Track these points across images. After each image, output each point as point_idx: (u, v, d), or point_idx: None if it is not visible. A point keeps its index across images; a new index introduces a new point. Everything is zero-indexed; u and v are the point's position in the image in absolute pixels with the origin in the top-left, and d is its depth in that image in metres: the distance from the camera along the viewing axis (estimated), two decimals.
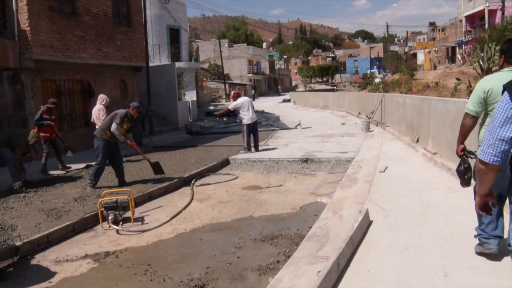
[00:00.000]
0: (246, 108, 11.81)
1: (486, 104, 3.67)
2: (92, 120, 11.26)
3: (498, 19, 38.25)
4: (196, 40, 60.70)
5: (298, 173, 9.79)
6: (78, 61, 13.53)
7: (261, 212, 6.90)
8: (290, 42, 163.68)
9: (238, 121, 12.76)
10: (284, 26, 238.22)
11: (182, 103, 22.26)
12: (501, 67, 3.75)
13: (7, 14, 11.65)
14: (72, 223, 6.30)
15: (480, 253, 3.87)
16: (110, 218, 6.37)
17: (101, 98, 11.13)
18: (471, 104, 3.76)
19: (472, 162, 3.75)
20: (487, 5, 40.85)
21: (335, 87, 70.74)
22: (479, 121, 3.83)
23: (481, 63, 24.01)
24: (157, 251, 5.45)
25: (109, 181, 8.96)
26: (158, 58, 23.58)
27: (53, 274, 4.89)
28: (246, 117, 11.78)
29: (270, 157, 10.86)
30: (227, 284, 4.36)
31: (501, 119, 2.18)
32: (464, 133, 3.88)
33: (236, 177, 9.65)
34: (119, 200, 6.53)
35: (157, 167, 9.14)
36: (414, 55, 72.73)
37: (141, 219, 6.75)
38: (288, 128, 18.23)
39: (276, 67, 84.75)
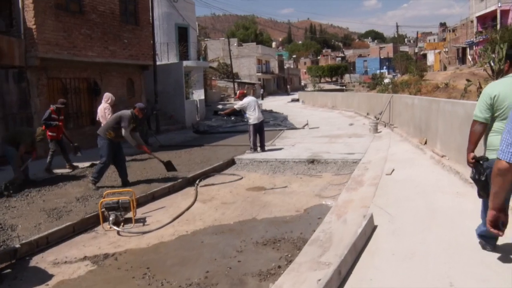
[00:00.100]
0: (253, 108, 11.70)
1: (493, 110, 3.64)
2: (97, 118, 11.22)
3: (510, 20, 37.82)
4: (205, 39, 60.77)
5: (304, 174, 9.66)
6: (84, 59, 13.49)
7: (264, 214, 6.78)
8: (300, 42, 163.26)
9: (245, 120, 12.62)
10: (294, 25, 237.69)
11: (190, 102, 22.19)
12: (507, 73, 3.74)
13: (13, 12, 11.64)
14: (73, 224, 6.23)
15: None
16: (111, 219, 6.28)
17: (107, 97, 11.08)
18: (479, 111, 3.72)
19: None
20: (499, 5, 40.37)
21: (344, 87, 70.41)
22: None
23: (492, 64, 23.66)
24: (157, 254, 5.36)
25: (112, 180, 8.89)
26: (166, 56, 23.55)
27: (50, 276, 4.82)
28: (253, 117, 11.67)
29: (276, 158, 10.74)
30: None
31: None
32: (474, 141, 3.80)
33: (241, 178, 9.53)
34: (120, 200, 6.45)
35: (169, 165, 9.08)
36: (424, 55, 72.21)
37: (142, 220, 6.66)
38: (295, 128, 18.08)
39: (285, 67, 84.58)
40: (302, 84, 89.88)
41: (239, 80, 56.88)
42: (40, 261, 5.28)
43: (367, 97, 23.54)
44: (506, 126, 2.32)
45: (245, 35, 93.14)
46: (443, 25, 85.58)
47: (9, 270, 4.97)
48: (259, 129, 11.76)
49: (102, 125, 9.71)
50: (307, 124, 18.37)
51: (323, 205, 7.09)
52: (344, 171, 9.52)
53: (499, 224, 2.48)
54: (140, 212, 7.04)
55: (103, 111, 10.90)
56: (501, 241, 3.94)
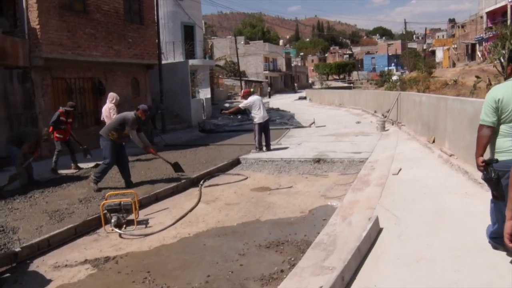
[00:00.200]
0: (258, 107, 11.58)
1: (499, 113, 3.64)
2: (102, 118, 11.16)
3: None
4: (212, 37, 60.74)
5: (309, 174, 9.53)
6: (88, 59, 13.45)
7: (268, 215, 6.67)
8: (307, 39, 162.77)
9: (251, 119, 12.49)
10: (301, 23, 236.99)
11: (196, 101, 22.12)
12: (510, 75, 3.76)
13: (17, 12, 11.61)
14: (74, 226, 6.15)
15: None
16: (113, 221, 6.20)
17: (111, 97, 11.01)
18: (485, 115, 3.70)
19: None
20: (510, 0, 39.83)
21: (351, 85, 70.07)
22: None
23: (502, 60, 23.31)
24: (158, 257, 5.26)
25: (115, 181, 8.82)
26: (172, 55, 23.50)
27: (50, 281, 4.75)
28: (258, 116, 11.56)
29: (282, 157, 10.61)
30: None
31: None
32: (482, 145, 3.76)
33: (246, 178, 9.43)
34: (122, 202, 6.37)
35: (176, 166, 9.00)
36: (433, 52, 71.63)
37: (145, 222, 6.58)
38: (302, 127, 17.95)
39: (292, 64, 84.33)
40: (310, 81, 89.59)
41: (246, 78, 56.78)
42: (41, 264, 5.21)
43: (375, 94, 23.33)
44: None
45: (252, 33, 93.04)
46: (452, 21, 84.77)
47: (8, 274, 4.90)
48: (264, 128, 11.64)
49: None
50: (313, 122, 18.24)
51: (328, 206, 6.97)
52: (350, 171, 9.38)
53: None
54: (143, 213, 6.96)
55: (108, 111, 10.84)
56: None
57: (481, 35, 45.99)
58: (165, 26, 23.32)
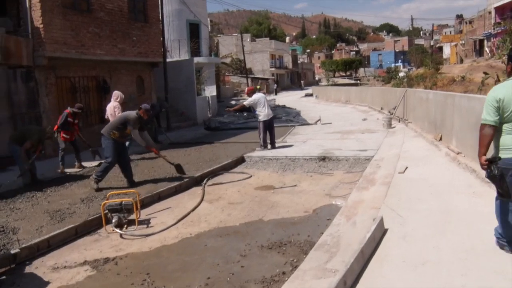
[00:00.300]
0: (262, 105, 11.47)
1: (500, 112, 3.66)
2: (106, 117, 11.10)
3: None
4: (218, 35, 60.63)
5: (314, 172, 9.41)
6: (92, 57, 13.38)
7: (271, 215, 6.56)
8: (314, 36, 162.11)
9: (256, 116, 12.35)
10: (308, 20, 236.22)
11: (201, 98, 22.02)
12: (510, 74, 3.79)
13: (21, 12, 11.55)
14: (75, 226, 6.09)
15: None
16: (113, 221, 6.13)
17: (116, 95, 10.93)
18: (487, 115, 3.72)
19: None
20: None
21: (358, 81, 69.67)
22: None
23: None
24: (158, 258, 5.18)
25: (118, 180, 8.74)
26: (178, 53, 23.40)
27: (48, 282, 4.69)
28: (262, 113, 11.45)
29: (287, 155, 10.49)
30: None
31: None
32: (485, 144, 3.75)
33: (250, 176, 9.33)
34: (123, 202, 6.29)
35: (178, 168, 8.89)
36: (440, 48, 71.07)
37: (146, 222, 6.50)
38: (307, 124, 17.80)
39: (299, 61, 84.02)
40: (316, 78, 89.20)
41: (252, 76, 56.58)
42: (40, 265, 5.15)
43: (381, 91, 23.11)
44: None
45: (259, 30, 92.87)
46: (459, 17, 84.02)
47: (4, 277, 4.83)
48: (269, 125, 11.54)
49: None
50: (319, 119, 18.08)
51: (332, 205, 6.85)
52: (356, 169, 9.25)
53: None
54: (145, 213, 6.89)
55: (113, 109, 10.76)
56: None
57: (489, 31, 45.51)
58: (171, 24, 23.22)
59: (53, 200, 7.58)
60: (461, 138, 8.34)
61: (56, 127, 10.08)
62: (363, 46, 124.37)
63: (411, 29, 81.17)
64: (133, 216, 6.34)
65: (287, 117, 20.75)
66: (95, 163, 10.49)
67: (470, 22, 59.57)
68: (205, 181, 8.83)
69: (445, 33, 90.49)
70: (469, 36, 55.35)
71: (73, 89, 13.33)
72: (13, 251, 5.16)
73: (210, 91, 24.63)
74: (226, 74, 51.48)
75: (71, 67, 13.07)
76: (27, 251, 5.34)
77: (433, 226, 4.77)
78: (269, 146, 11.60)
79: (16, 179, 8.78)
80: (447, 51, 66.51)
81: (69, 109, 10.15)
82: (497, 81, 20.58)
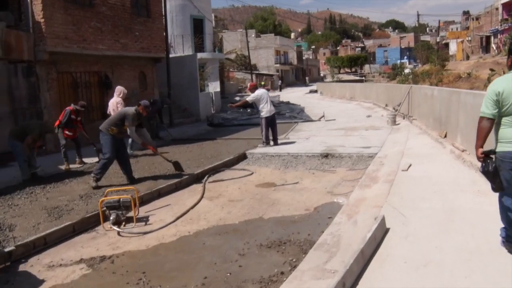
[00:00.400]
0: (265, 101, 11.34)
1: (499, 106, 3.67)
2: (108, 112, 10.99)
3: None
4: (223, 31, 60.39)
5: (316, 169, 9.29)
6: (94, 52, 13.28)
7: (272, 213, 6.45)
8: (319, 32, 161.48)
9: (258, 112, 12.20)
10: (313, 16, 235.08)
11: (205, 94, 21.90)
12: (510, 68, 3.80)
13: (22, 6, 11.45)
14: (72, 223, 6.00)
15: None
16: (111, 218, 6.03)
17: (118, 90, 10.82)
18: (486, 108, 3.74)
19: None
20: None
21: (363, 78, 69.31)
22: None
23: None
24: (155, 256, 5.08)
25: (118, 177, 8.64)
26: (182, 48, 23.31)
27: (43, 281, 4.60)
28: (265, 110, 11.33)
29: (289, 152, 10.37)
30: None
31: None
32: (482, 137, 3.80)
33: (252, 173, 9.22)
34: (121, 199, 6.19)
35: (177, 165, 8.78)
36: (446, 45, 70.57)
37: (145, 219, 6.41)
38: (311, 120, 17.67)
39: (304, 58, 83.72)
40: (321, 75, 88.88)
41: (257, 72, 56.46)
42: (35, 263, 5.06)
43: (386, 88, 22.92)
44: None
45: (264, 26, 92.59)
46: (466, 13, 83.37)
47: None
48: (271, 122, 11.42)
49: None
50: (323, 116, 17.93)
51: (334, 203, 6.73)
52: (359, 166, 9.12)
53: None
54: (144, 210, 6.80)
55: (115, 105, 10.65)
56: None
57: (496, 27, 45.12)
58: (174, 19, 23.14)
59: (52, 197, 7.51)
60: (466, 135, 8.18)
61: (57, 122, 10.02)
62: (368, 43, 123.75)
63: (417, 25, 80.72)
64: (131, 214, 6.25)
65: (291, 114, 20.61)
66: (96, 159, 10.42)
67: (477, 19, 59.12)
68: (206, 178, 8.73)
69: (452, 29, 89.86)
70: (475, 33, 54.94)
71: (75, 85, 13.25)
72: (8, 249, 5.07)
73: (214, 87, 24.54)
74: (231, 70, 51.36)
75: (72, 62, 12.98)
76: (22, 248, 5.26)
77: (436, 226, 4.64)
78: (271, 142, 11.49)
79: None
80: (453, 47, 66.03)
81: (72, 106, 10.08)
82: None
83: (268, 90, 12.02)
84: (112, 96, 11.15)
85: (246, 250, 5.01)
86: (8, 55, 10.81)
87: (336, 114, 19.40)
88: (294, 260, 4.58)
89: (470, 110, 7.92)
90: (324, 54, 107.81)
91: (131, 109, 8.09)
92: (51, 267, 4.93)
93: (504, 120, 3.69)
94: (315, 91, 44.26)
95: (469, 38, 59.00)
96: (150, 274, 4.55)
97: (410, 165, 7.64)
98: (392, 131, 12.73)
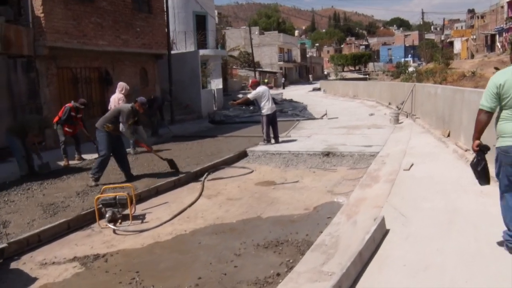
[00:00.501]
0: (266, 98, 11.22)
1: (500, 99, 3.66)
2: (109, 108, 10.89)
3: None
4: (226, 28, 60.22)
5: (317, 168, 9.16)
6: (95, 48, 13.17)
7: (270, 212, 6.34)
8: (324, 30, 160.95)
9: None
10: (318, 13, 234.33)
11: (207, 91, 21.76)
12: None
13: (22, 0, 11.34)
14: (67, 221, 5.91)
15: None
16: (107, 216, 5.95)
17: (121, 87, 10.70)
18: (485, 100, 3.75)
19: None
20: None
21: (367, 76, 69.02)
22: (495, 114, 3.82)
23: None
24: (150, 255, 4.98)
25: (117, 174, 8.55)
26: (184, 45, 23.17)
27: (34, 279, 4.51)
28: (266, 107, 11.20)
29: (290, 150, 10.25)
30: None
31: None
32: (479, 129, 3.85)
33: (252, 171, 9.11)
34: (117, 197, 6.10)
35: (172, 164, 8.66)
36: (451, 43, 70.21)
37: (141, 217, 6.31)
38: (313, 118, 17.51)
39: (308, 55, 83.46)
40: (325, 73, 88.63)
41: (260, 69, 56.23)
42: (28, 261, 4.98)
43: (389, 86, 22.74)
44: None
45: (268, 23, 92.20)
46: (471, 11, 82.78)
47: None
48: (272, 119, 11.29)
49: None
50: (325, 114, 17.79)
51: (334, 203, 6.61)
52: (360, 165, 8.99)
53: None
54: (141, 207, 6.71)
55: (117, 101, 10.53)
56: None
57: (501, 26, 44.83)
58: (177, 15, 22.99)
59: (48, 193, 7.43)
60: (469, 135, 8.00)
61: (57, 118, 9.93)
62: (373, 41, 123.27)
63: (421, 23, 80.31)
64: (127, 211, 6.15)
65: (293, 111, 20.46)
66: (96, 155, 10.33)
67: (482, 17, 58.74)
68: (205, 175, 8.63)
69: (456, 27, 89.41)
70: (480, 31, 54.62)
71: (75, 80, 13.15)
72: (0, 246, 4.98)
73: (216, 84, 24.39)
74: (234, 67, 51.17)
75: (72, 58, 12.88)
76: (15, 245, 5.18)
77: (438, 227, 4.52)
78: (272, 140, 11.37)
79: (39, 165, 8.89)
80: (458, 46, 65.71)
81: (72, 103, 9.99)
82: None
83: (271, 87, 11.90)
84: (112, 92, 11.05)
85: (242, 250, 4.91)
86: (7, 50, 10.73)
87: (338, 112, 19.24)
88: (291, 261, 4.47)
89: (474, 109, 7.72)
90: (328, 52, 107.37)
91: (126, 106, 8.00)
92: (44, 265, 4.85)
93: (504, 114, 3.68)
94: (318, 89, 44.02)
95: (474, 37, 58.66)
96: (143, 274, 4.46)
97: (412, 165, 7.51)
98: (395, 130, 12.59)
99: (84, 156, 10.33)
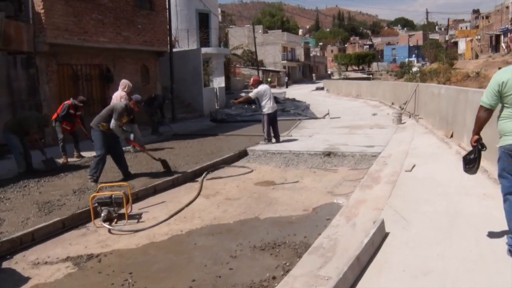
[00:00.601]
0: (267, 97, 11.11)
1: (501, 97, 3.63)
2: None
3: None
4: (230, 26, 60.09)
5: (318, 168, 9.04)
6: (95, 45, 13.09)
7: (269, 213, 6.22)
8: (328, 29, 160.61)
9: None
10: (322, 13, 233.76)
11: (208, 90, 21.66)
12: None
13: None
14: (62, 219, 5.82)
15: None
16: (102, 215, 5.85)
17: (123, 84, 10.60)
18: (485, 97, 3.75)
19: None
20: None
21: (371, 76, 68.79)
22: (497, 113, 3.79)
23: None
24: (144, 256, 4.88)
25: (115, 172, 8.45)
26: (186, 43, 23.07)
27: (26, 279, 4.42)
28: (267, 106, 11.10)
29: (290, 149, 10.14)
30: None
31: None
32: (479, 125, 3.88)
33: (251, 171, 9.00)
34: (113, 195, 6.01)
35: (164, 164, 8.51)
36: (455, 43, 69.91)
37: (137, 217, 6.21)
38: (315, 118, 17.39)
39: (311, 54, 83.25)
40: (329, 72, 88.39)
41: (263, 68, 56.09)
42: (20, 260, 4.89)
43: (392, 86, 22.59)
44: None
45: (272, 22, 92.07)
46: (476, 11, 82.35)
47: None
48: (273, 119, 11.18)
49: None
50: (328, 113, 17.66)
51: (334, 204, 6.49)
52: (361, 166, 8.87)
53: None
54: (138, 207, 6.61)
55: (119, 99, 10.42)
56: None
57: (506, 26, 44.55)
58: (180, 13, 22.91)
59: (45, 191, 7.34)
60: None
61: (55, 115, 9.85)
62: (377, 40, 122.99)
63: (426, 23, 79.92)
64: (123, 210, 6.06)
65: (295, 111, 20.34)
66: (94, 153, 10.24)
67: (487, 17, 58.38)
68: (204, 174, 8.52)
69: (461, 28, 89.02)
70: (485, 31, 54.32)
71: (75, 77, 13.08)
72: None
73: (218, 82, 24.29)
74: (237, 65, 51.04)
75: (73, 54, 12.80)
76: (8, 244, 5.09)
77: (439, 231, 4.39)
78: (273, 140, 11.26)
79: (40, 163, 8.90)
80: (462, 46, 65.41)
81: (71, 101, 9.91)
82: None
83: (274, 86, 11.79)
84: (113, 89, 10.95)
85: (238, 252, 4.80)
86: (7, 46, 10.66)
87: (341, 111, 19.11)
88: (287, 264, 4.35)
89: (477, 109, 7.64)
90: (332, 51, 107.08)
91: (120, 104, 7.91)
92: (36, 264, 4.76)
93: (506, 112, 3.66)
94: (322, 88, 43.89)
95: (479, 37, 58.36)
96: (137, 275, 4.36)
97: (414, 166, 7.39)
98: (398, 130, 12.46)
99: (83, 153, 10.24)
